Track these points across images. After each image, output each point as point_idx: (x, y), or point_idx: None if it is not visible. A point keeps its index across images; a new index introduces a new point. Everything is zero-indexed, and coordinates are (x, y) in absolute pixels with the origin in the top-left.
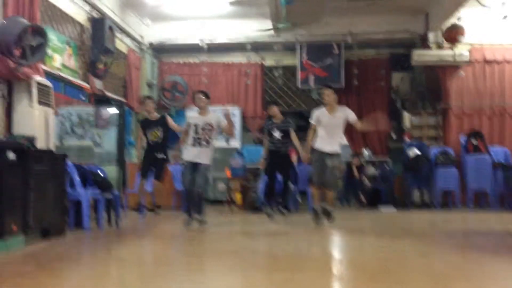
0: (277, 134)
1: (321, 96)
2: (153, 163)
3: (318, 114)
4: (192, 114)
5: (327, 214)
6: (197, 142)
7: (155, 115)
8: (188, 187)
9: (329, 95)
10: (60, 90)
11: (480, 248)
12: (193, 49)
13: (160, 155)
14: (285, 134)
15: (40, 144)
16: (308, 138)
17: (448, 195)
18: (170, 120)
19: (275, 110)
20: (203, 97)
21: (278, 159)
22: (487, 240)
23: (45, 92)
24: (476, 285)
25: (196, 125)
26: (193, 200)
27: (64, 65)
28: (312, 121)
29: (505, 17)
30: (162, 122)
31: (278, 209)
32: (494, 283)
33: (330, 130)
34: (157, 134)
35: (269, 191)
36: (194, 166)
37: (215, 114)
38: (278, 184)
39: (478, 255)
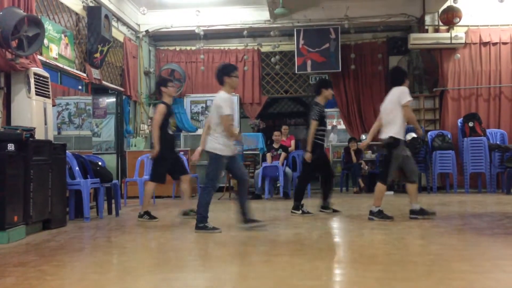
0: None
1: None
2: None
3: None
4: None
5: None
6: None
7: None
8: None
9: None
10: (57, 80)
11: (477, 229)
12: (190, 36)
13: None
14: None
15: (39, 135)
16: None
17: (445, 177)
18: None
19: (331, 93)
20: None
21: (323, 153)
22: (484, 222)
23: (42, 82)
24: (473, 266)
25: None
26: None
27: (60, 55)
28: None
29: None
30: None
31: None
32: (491, 263)
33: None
34: (175, 123)
35: (302, 190)
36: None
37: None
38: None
39: (475, 236)
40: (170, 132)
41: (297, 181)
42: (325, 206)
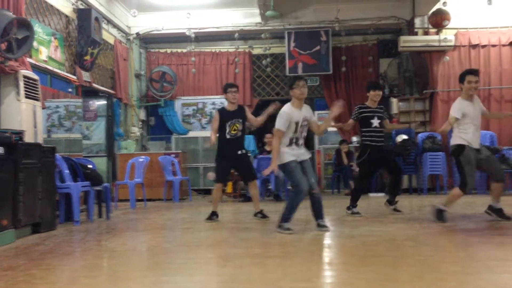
0: (376, 122)
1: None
2: (236, 163)
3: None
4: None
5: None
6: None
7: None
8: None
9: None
10: (47, 83)
11: (467, 231)
12: (181, 38)
13: (241, 151)
14: (382, 122)
15: (28, 138)
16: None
17: (435, 179)
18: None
19: (377, 94)
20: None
21: (379, 154)
22: (474, 223)
23: (32, 85)
24: (463, 267)
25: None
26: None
27: (50, 58)
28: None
29: (489, 1)
30: (241, 113)
31: (394, 209)
32: (481, 264)
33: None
34: (237, 126)
35: (358, 195)
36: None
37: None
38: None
39: (465, 237)
40: (228, 136)
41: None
42: (390, 201)
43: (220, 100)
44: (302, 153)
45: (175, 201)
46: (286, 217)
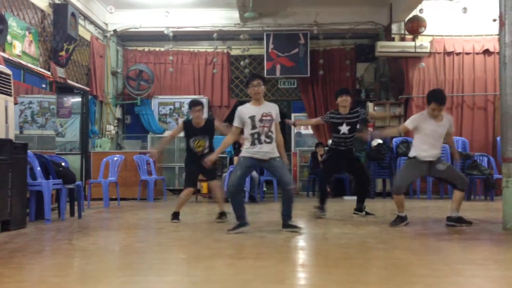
0: (344, 129)
1: None
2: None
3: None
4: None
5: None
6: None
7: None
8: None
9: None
10: (20, 78)
11: (437, 235)
12: (159, 37)
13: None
14: (354, 127)
15: (0, 134)
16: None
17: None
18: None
19: (344, 99)
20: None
21: (344, 158)
22: (444, 227)
23: (4, 80)
24: (432, 270)
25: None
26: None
27: (24, 52)
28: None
29: (464, 9)
30: (208, 129)
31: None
32: (449, 268)
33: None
34: (202, 143)
35: (324, 195)
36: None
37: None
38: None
39: (435, 241)
40: (194, 151)
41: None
42: (358, 209)
43: None
44: (267, 152)
45: (149, 201)
46: (236, 216)
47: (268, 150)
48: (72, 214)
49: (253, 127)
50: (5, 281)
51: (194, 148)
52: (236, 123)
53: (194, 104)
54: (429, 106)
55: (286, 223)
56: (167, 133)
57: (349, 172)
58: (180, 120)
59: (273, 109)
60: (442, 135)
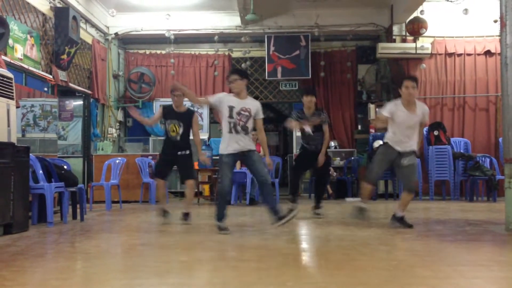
0: (309, 130)
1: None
2: (175, 162)
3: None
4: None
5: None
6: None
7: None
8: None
9: None
10: (22, 81)
11: (440, 236)
12: (160, 40)
13: (182, 152)
14: (318, 128)
15: (2, 137)
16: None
17: None
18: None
19: (309, 100)
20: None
21: (311, 156)
22: (447, 228)
23: (6, 83)
24: (435, 271)
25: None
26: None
27: (26, 56)
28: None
29: (465, 10)
30: (186, 117)
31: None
32: (452, 269)
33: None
34: (176, 128)
35: (294, 189)
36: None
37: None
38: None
39: (438, 242)
40: (168, 135)
41: None
42: (315, 206)
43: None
44: (244, 144)
45: (151, 203)
46: (217, 216)
47: (246, 141)
48: (74, 217)
49: (230, 116)
50: (7, 284)
51: (169, 131)
52: (212, 98)
53: (174, 89)
54: (402, 88)
55: (277, 216)
56: (148, 120)
57: (314, 171)
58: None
59: (253, 105)
60: (415, 126)
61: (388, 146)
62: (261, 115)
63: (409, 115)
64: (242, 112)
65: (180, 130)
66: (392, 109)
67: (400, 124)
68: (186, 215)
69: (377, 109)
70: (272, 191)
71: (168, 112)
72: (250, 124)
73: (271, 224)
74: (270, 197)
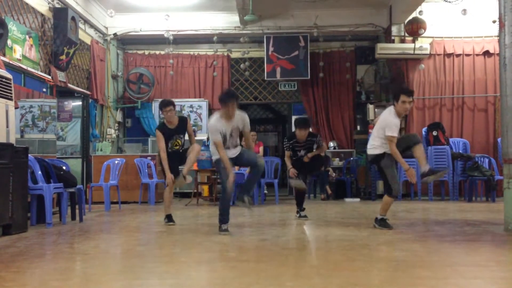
0: (302, 153)
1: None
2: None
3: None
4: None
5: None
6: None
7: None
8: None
9: None
10: (21, 82)
11: (439, 236)
12: (159, 40)
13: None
14: (311, 150)
15: (1, 138)
16: None
17: (410, 185)
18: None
19: (303, 134)
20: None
21: (304, 164)
22: (446, 229)
23: (5, 84)
24: (434, 272)
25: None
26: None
27: (24, 56)
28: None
29: (464, 11)
30: (182, 128)
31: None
32: (451, 269)
33: None
34: (178, 142)
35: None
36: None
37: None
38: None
39: (437, 243)
40: (170, 150)
41: None
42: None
43: (198, 103)
44: (235, 152)
45: (150, 204)
46: (221, 218)
47: (235, 151)
48: (73, 217)
49: (224, 140)
50: (6, 285)
51: (173, 147)
52: (216, 136)
53: (164, 104)
54: (399, 102)
55: (242, 195)
56: (162, 154)
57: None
58: None
59: (240, 122)
60: None
61: (387, 156)
62: (248, 127)
63: (399, 121)
64: (234, 134)
65: (183, 141)
66: (396, 123)
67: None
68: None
69: (376, 109)
70: (259, 177)
71: (165, 132)
72: (239, 136)
73: (236, 199)
74: (253, 180)
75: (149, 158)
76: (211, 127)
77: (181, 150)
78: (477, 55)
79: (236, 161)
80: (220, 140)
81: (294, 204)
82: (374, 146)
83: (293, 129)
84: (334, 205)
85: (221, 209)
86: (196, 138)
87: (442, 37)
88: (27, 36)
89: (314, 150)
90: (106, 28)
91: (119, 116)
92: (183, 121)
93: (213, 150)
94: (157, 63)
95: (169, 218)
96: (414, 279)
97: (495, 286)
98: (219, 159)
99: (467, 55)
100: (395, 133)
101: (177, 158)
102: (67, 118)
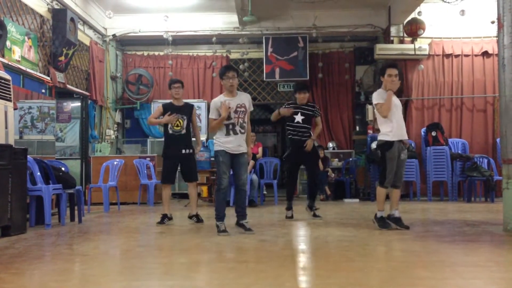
0: (299, 118)
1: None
2: (179, 161)
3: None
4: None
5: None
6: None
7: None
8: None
9: None
10: (20, 83)
11: (438, 236)
12: (158, 41)
13: (186, 150)
14: (308, 119)
15: None
16: None
17: (409, 185)
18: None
19: (302, 97)
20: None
21: (302, 150)
22: (445, 229)
23: (4, 85)
24: (433, 272)
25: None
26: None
27: (23, 58)
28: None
29: (462, 12)
30: (187, 110)
31: (314, 214)
32: (450, 270)
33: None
34: (180, 122)
35: (291, 189)
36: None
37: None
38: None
39: (436, 243)
40: (171, 132)
41: None
42: (309, 206)
43: (197, 104)
44: (238, 145)
45: (149, 205)
46: (217, 215)
47: (240, 143)
48: (72, 219)
49: (228, 118)
50: (5, 287)
51: (172, 126)
52: (213, 115)
53: (173, 81)
54: (385, 75)
55: (240, 221)
56: (153, 120)
57: (305, 165)
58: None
59: (246, 100)
60: (401, 109)
61: (395, 147)
62: (252, 107)
63: (396, 99)
64: (239, 109)
65: (184, 124)
66: (383, 96)
67: (395, 112)
68: (197, 217)
69: (373, 104)
70: (246, 199)
71: (169, 108)
72: (246, 119)
73: (235, 224)
74: (242, 203)
75: (148, 159)
76: (212, 104)
77: (181, 133)
78: (476, 55)
79: (233, 160)
80: (213, 117)
81: (294, 204)
82: (385, 132)
83: None
84: (333, 205)
85: (216, 205)
86: None
87: (441, 38)
88: (26, 37)
89: (311, 138)
90: (105, 29)
91: (118, 117)
92: (189, 106)
93: (215, 141)
94: (156, 64)
95: (162, 218)
96: (413, 279)
97: (494, 287)
98: (217, 152)
99: (466, 55)
100: (381, 100)
101: (179, 141)
102: (66, 119)
